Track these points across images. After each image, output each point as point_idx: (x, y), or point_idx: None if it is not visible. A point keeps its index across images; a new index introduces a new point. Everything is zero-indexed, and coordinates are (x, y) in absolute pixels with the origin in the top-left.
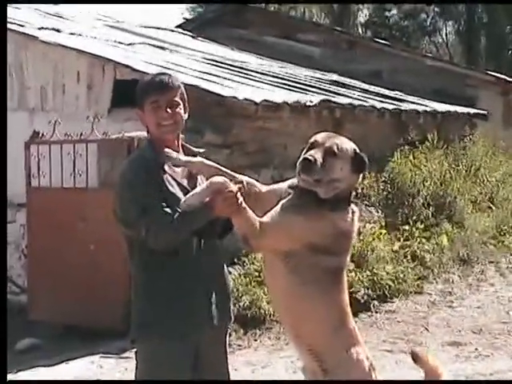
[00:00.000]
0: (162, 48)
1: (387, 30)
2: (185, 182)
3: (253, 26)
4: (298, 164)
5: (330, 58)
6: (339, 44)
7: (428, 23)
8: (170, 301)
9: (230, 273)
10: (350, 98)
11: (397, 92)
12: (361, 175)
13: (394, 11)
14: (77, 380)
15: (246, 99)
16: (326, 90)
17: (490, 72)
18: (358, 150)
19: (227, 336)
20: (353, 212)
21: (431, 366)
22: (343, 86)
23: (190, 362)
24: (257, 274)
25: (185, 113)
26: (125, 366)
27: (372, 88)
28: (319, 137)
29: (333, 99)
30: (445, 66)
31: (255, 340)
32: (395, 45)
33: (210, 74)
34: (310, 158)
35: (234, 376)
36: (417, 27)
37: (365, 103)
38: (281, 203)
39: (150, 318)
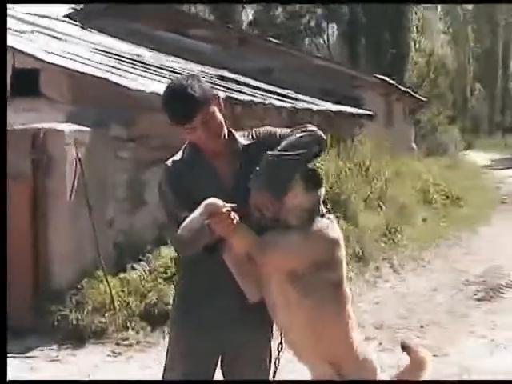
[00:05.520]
0: (56, 38)
1: (274, 28)
2: (227, 179)
3: (142, 18)
4: None
5: (221, 54)
6: (230, 41)
7: (313, 24)
8: (197, 296)
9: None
10: (247, 94)
11: (289, 91)
12: (317, 190)
13: (280, 10)
14: (76, 380)
15: (153, 93)
16: (222, 86)
17: (374, 74)
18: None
19: (268, 341)
20: (329, 219)
21: (419, 355)
22: (237, 82)
23: (210, 358)
24: (162, 270)
25: (220, 112)
26: (30, 365)
27: (264, 86)
28: None
29: (232, 95)
30: (332, 66)
31: (163, 338)
32: (285, 44)
33: (111, 67)
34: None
35: (144, 376)
36: (303, 28)
37: (264, 101)
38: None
39: (173, 311)
